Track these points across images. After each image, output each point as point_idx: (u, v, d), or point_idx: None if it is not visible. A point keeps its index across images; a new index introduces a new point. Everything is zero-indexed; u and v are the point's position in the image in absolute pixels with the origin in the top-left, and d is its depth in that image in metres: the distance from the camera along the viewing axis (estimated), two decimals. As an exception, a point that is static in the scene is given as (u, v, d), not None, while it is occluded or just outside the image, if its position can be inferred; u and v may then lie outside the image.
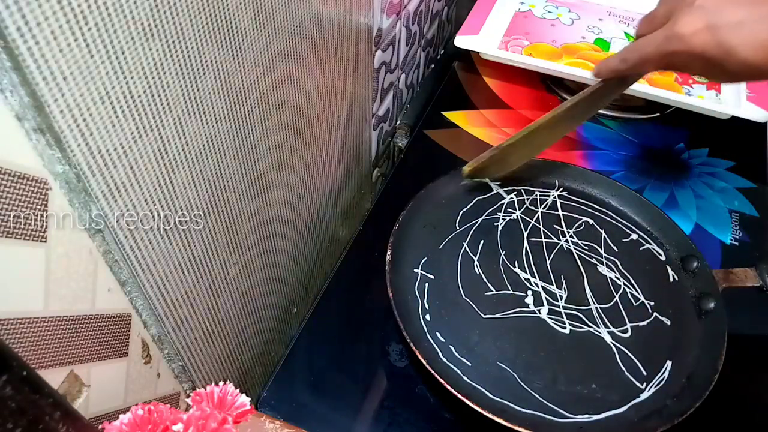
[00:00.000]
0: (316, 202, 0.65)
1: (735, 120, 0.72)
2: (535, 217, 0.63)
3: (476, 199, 0.65)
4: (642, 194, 0.65)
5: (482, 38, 0.81)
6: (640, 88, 0.76)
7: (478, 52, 0.81)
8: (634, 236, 0.62)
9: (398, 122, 0.89)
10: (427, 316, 0.55)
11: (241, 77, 0.43)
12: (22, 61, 0.27)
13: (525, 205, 0.65)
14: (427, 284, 0.58)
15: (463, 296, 0.57)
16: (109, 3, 0.30)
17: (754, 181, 0.74)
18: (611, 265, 0.59)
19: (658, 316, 0.56)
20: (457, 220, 0.63)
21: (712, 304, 0.55)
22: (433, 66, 1.00)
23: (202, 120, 0.40)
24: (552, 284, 0.58)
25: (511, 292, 0.57)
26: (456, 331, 0.54)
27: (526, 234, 0.62)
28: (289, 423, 0.47)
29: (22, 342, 0.32)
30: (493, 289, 0.57)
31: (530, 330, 0.55)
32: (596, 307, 0.56)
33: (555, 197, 0.65)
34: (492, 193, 0.65)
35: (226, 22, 0.39)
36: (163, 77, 0.35)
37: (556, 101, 0.84)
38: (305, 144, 0.57)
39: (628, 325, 0.55)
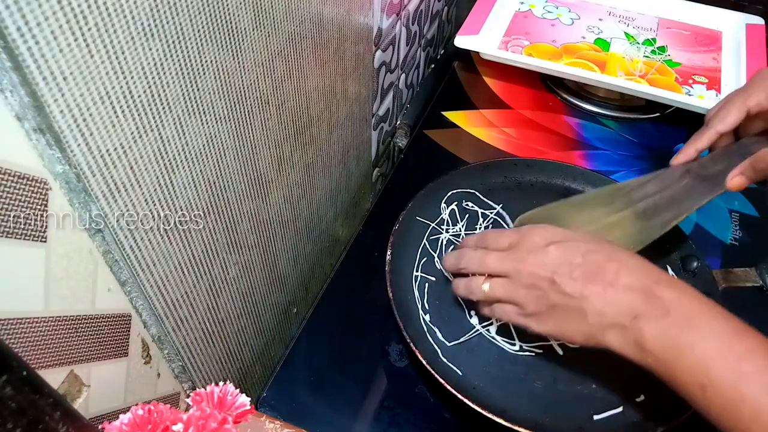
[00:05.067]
0: (316, 202, 0.65)
1: (735, 120, 0.72)
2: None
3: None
4: (642, 194, 0.65)
5: (482, 38, 0.81)
6: (640, 88, 0.76)
7: (478, 52, 0.81)
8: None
9: (398, 122, 0.89)
10: (427, 316, 0.55)
11: (241, 77, 0.43)
12: (22, 61, 0.27)
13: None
14: (427, 284, 0.58)
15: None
16: (109, 3, 0.30)
17: (754, 181, 0.74)
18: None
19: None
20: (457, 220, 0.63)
21: (712, 304, 0.55)
22: (433, 66, 1.00)
23: (202, 120, 0.40)
24: None
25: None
26: (456, 331, 0.54)
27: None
28: (289, 423, 0.47)
29: (22, 342, 0.32)
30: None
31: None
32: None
33: None
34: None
35: (226, 22, 0.39)
36: (163, 77, 0.35)
37: (556, 101, 0.84)
38: (305, 144, 0.57)
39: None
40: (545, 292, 0.44)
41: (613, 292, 0.41)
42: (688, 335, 0.38)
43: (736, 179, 0.51)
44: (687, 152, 0.56)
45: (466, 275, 0.51)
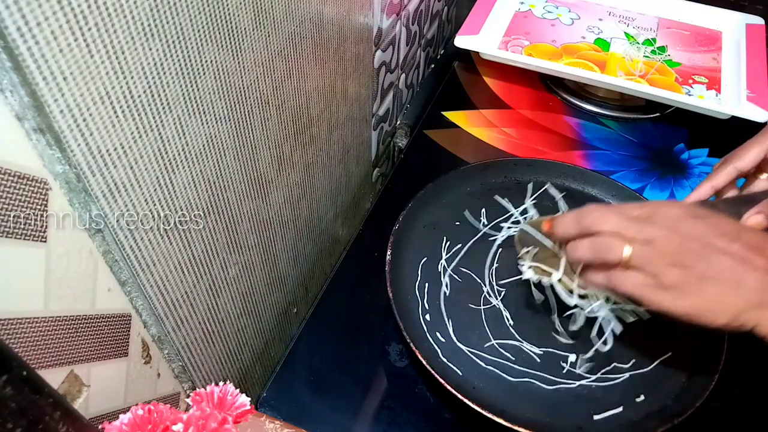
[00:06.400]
0: (316, 202, 0.65)
1: (735, 120, 0.72)
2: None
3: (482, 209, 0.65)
4: (642, 194, 0.65)
5: (482, 38, 0.81)
6: (640, 88, 0.76)
7: (478, 52, 0.81)
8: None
9: (398, 122, 0.89)
10: (427, 316, 0.55)
11: (241, 77, 0.43)
12: (22, 61, 0.27)
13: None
14: (427, 284, 0.58)
15: (464, 296, 0.57)
16: (109, 3, 0.30)
17: (754, 181, 0.74)
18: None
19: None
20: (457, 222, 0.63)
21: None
22: (433, 66, 1.00)
23: (202, 120, 0.40)
24: None
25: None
26: (456, 331, 0.54)
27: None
28: (289, 423, 0.47)
29: (22, 342, 0.32)
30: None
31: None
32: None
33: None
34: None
35: (226, 22, 0.39)
36: (163, 77, 0.35)
37: (556, 101, 0.84)
38: (305, 144, 0.57)
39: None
40: (696, 262, 0.39)
41: None
42: None
43: (754, 218, 0.49)
44: (703, 189, 0.54)
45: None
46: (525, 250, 0.53)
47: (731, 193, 0.53)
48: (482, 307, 0.56)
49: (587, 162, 0.75)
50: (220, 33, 0.39)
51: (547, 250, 0.51)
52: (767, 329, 0.39)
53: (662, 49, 0.84)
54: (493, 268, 0.59)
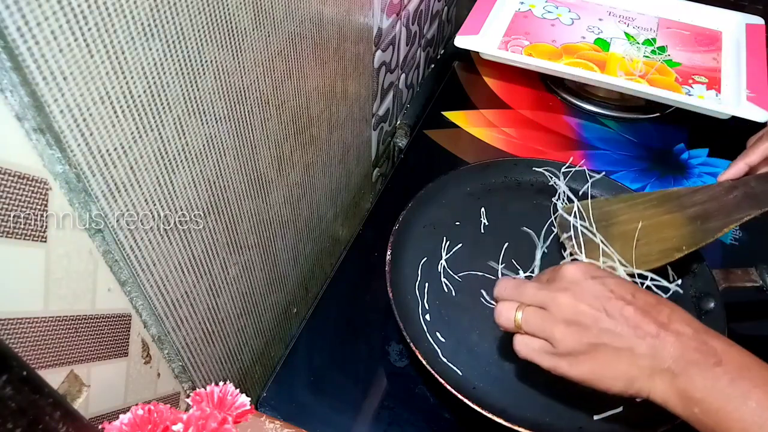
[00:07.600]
0: (316, 202, 0.65)
1: (735, 120, 0.72)
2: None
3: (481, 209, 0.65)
4: (642, 194, 0.65)
5: (482, 38, 0.81)
6: (640, 88, 0.76)
7: (478, 52, 0.81)
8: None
9: (398, 122, 0.89)
10: (427, 316, 0.55)
11: (241, 77, 0.43)
12: (22, 61, 0.27)
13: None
14: (427, 284, 0.58)
15: (464, 296, 0.57)
16: (109, 3, 0.30)
17: (754, 181, 0.74)
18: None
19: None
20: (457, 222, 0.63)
21: (712, 304, 0.55)
22: (433, 66, 1.00)
23: (202, 120, 0.40)
24: None
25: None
26: (456, 331, 0.54)
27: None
28: (289, 423, 0.47)
29: (22, 342, 0.32)
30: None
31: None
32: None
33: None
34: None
35: (226, 22, 0.39)
36: (163, 77, 0.35)
37: (556, 101, 0.84)
38: (305, 144, 0.57)
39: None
40: (588, 329, 0.40)
41: (667, 335, 0.38)
42: (740, 386, 0.36)
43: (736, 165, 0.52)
44: (737, 167, 0.55)
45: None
46: (566, 235, 0.58)
47: (765, 169, 0.53)
48: (482, 307, 0.56)
49: (587, 162, 0.75)
50: (220, 33, 0.39)
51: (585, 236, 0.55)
52: (660, 397, 0.39)
53: (662, 49, 0.84)
54: (497, 267, 0.59)
